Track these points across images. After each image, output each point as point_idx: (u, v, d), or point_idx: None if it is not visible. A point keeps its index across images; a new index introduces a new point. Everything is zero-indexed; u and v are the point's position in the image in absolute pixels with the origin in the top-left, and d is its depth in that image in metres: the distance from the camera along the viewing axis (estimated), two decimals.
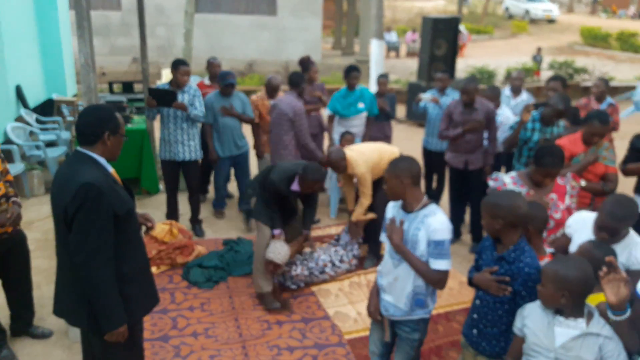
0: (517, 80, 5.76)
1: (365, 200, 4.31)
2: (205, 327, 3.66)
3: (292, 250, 4.03)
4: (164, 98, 4.69)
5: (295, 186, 3.83)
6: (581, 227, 2.64)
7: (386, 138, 5.77)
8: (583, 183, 3.63)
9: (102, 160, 2.23)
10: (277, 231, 3.88)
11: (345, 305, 4.00)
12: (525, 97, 5.79)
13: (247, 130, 5.89)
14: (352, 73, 5.41)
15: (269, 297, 3.93)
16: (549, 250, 2.67)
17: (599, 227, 2.43)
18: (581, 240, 2.54)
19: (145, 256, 2.39)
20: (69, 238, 2.13)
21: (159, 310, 3.82)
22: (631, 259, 2.42)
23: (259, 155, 5.61)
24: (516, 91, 5.77)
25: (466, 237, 5.33)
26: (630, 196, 2.48)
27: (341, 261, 4.42)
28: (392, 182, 2.40)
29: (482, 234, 5.07)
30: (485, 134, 4.87)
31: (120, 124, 2.27)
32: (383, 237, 2.64)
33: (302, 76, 5.08)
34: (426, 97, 5.59)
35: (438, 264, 2.36)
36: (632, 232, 2.49)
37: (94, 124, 2.20)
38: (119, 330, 2.20)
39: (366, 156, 4.29)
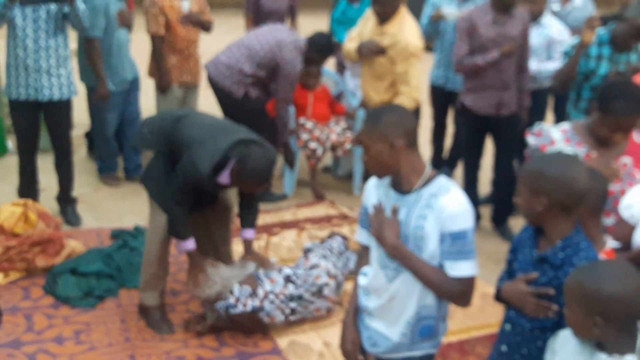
0: None
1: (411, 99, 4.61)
2: None
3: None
4: None
5: (225, 178, 3.64)
6: None
7: None
8: None
9: None
10: (187, 244, 3.74)
11: (306, 332, 4.03)
12: (579, 2, 5.84)
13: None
14: None
15: (155, 314, 3.99)
16: (610, 243, 2.69)
17: None
18: None
19: None
20: None
21: (7, 342, 3.76)
22: None
23: (162, 88, 5.79)
24: None
25: (487, 221, 5.42)
26: None
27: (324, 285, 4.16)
28: (377, 148, 2.37)
29: (508, 214, 5.24)
30: None
31: None
32: (362, 236, 2.63)
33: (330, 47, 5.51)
34: (451, 12, 5.56)
35: (459, 268, 2.35)
36: None
37: None
38: None
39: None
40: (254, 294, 3.83)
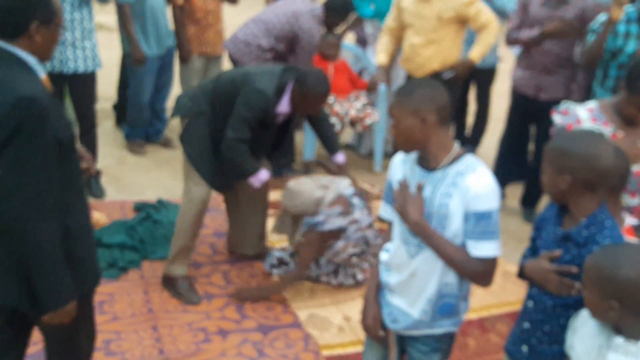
0: None
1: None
2: (106, 338, 3.66)
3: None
4: None
5: (284, 106, 3.80)
6: None
7: None
8: None
9: (31, 62, 2.32)
10: (261, 175, 3.82)
11: (326, 306, 4.06)
12: None
13: None
14: None
15: (183, 284, 4.04)
16: (629, 220, 2.69)
17: None
18: None
19: (88, 205, 2.57)
20: None
21: None
22: None
23: (184, 58, 5.92)
24: None
25: (512, 200, 5.39)
26: None
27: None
28: (407, 122, 2.37)
29: (538, 196, 5.22)
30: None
31: (54, 9, 2.34)
32: (385, 211, 2.64)
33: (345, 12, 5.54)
34: None
35: (482, 248, 2.36)
36: None
37: (16, 7, 2.26)
38: (66, 307, 2.34)
39: None
40: (342, 214, 3.93)
